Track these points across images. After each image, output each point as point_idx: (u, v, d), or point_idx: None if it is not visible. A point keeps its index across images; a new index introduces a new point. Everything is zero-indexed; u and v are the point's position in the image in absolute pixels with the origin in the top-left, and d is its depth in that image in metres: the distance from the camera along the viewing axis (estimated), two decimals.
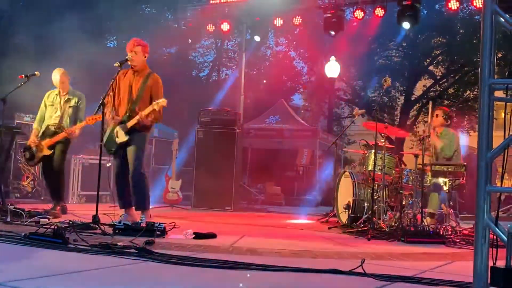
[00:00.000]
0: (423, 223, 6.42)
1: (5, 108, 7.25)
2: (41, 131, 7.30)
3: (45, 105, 7.43)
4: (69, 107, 7.29)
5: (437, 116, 7.81)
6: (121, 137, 6.28)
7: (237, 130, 10.33)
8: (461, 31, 22.04)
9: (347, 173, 8.07)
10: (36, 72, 7.27)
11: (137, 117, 6.16)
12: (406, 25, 10.62)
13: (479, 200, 2.86)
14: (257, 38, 12.28)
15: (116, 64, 6.23)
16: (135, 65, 6.42)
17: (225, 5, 12.61)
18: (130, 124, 6.23)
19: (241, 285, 3.40)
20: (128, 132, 6.27)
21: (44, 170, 7.68)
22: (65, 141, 7.22)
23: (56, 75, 7.30)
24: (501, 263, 2.99)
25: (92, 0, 20.17)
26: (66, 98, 7.33)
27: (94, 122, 6.81)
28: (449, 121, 7.85)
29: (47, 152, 7.14)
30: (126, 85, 6.44)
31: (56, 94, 7.39)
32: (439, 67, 24.92)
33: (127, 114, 6.32)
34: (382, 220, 6.86)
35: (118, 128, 6.31)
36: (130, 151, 6.32)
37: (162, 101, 6.16)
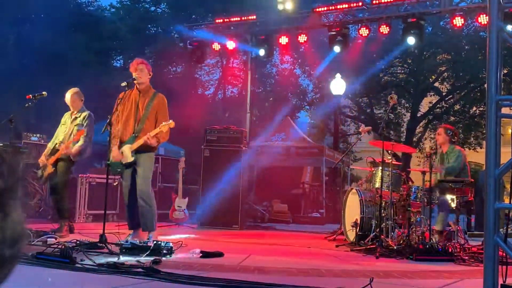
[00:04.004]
0: (432, 241, 6.38)
1: (12, 128, 7.29)
2: (50, 149, 7.35)
3: (60, 126, 7.51)
4: (75, 125, 7.31)
5: (439, 134, 7.78)
6: (127, 157, 6.27)
7: (243, 148, 10.33)
8: (466, 47, 22.11)
9: (354, 190, 8.03)
10: (43, 92, 7.32)
11: (144, 138, 6.14)
12: (411, 40, 10.66)
13: (488, 217, 2.84)
14: (261, 52, 12.31)
15: (123, 84, 6.27)
16: (142, 82, 6.42)
17: (230, 23, 12.71)
18: (136, 145, 6.22)
19: None
20: (134, 152, 6.26)
21: (49, 189, 7.67)
22: (66, 159, 7.20)
23: (68, 95, 7.37)
24: (511, 281, 2.96)
25: (99, 20, 20.39)
26: (74, 117, 7.37)
27: (78, 138, 6.99)
28: (455, 137, 7.82)
29: (50, 170, 7.17)
30: (131, 105, 6.44)
31: (69, 114, 7.45)
32: (445, 83, 24.97)
33: (134, 134, 6.31)
34: (390, 238, 6.81)
35: (123, 149, 6.30)
36: (138, 171, 6.30)
37: (170, 123, 6.15)
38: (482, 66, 19.68)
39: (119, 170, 6.41)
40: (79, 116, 7.35)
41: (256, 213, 12.97)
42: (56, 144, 7.30)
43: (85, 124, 7.25)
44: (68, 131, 7.29)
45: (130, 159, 6.25)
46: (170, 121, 6.17)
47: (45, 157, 7.30)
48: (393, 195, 7.06)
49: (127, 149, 6.26)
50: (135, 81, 6.34)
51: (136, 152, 6.27)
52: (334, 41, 11.44)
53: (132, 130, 6.35)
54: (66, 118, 7.49)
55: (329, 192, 16.14)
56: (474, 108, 24.25)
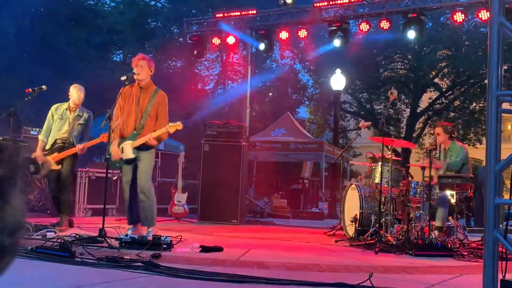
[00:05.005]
0: (431, 236, 6.38)
1: (12, 121, 7.26)
2: (49, 145, 7.24)
3: (52, 118, 7.29)
4: (78, 123, 7.24)
5: (438, 134, 7.76)
6: (128, 154, 6.23)
7: (243, 143, 10.32)
8: (466, 43, 22.10)
9: (353, 186, 8.03)
10: (43, 86, 7.27)
11: (146, 138, 6.12)
12: (411, 34, 10.64)
13: (488, 212, 2.84)
14: (261, 47, 12.28)
15: (123, 78, 6.23)
16: (142, 79, 6.35)
17: (230, 18, 12.68)
18: (137, 143, 6.19)
19: None
20: (135, 148, 6.25)
21: (50, 184, 7.65)
22: (73, 156, 7.19)
23: (74, 90, 7.19)
24: (510, 276, 2.96)
25: (99, 14, 20.35)
26: (76, 114, 7.25)
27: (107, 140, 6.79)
28: (455, 133, 7.81)
29: (55, 166, 7.09)
30: (133, 101, 6.38)
31: (66, 109, 7.27)
32: (445, 79, 24.96)
33: (136, 131, 6.28)
34: (390, 233, 6.82)
35: (124, 145, 6.27)
36: (139, 166, 6.28)
37: (178, 125, 6.13)
38: (482, 62, 19.68)
39: (118, 164, 6.39)
40: (82, 115, 7.28)
41: (256, 208, 12.98)
42: (58, 140, 7.18)
43: (90, 125, 7.30)
44: (70, 128, 7.20)
45: (131, 155, 6.23)
46: (178, 122, 6.13)
47: (42, 152, 7.18)
48: (392, 191, 7.06)
49: (128, 145, 6.23)
50: (134, 76, 6.28)
51: (137, 148, 6.25)
52: (334, 36, 11.42)
53: (133, 127, 6.31)
54: (62, 112, 7.26)
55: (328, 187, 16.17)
56: (474, 104, 24.25)
